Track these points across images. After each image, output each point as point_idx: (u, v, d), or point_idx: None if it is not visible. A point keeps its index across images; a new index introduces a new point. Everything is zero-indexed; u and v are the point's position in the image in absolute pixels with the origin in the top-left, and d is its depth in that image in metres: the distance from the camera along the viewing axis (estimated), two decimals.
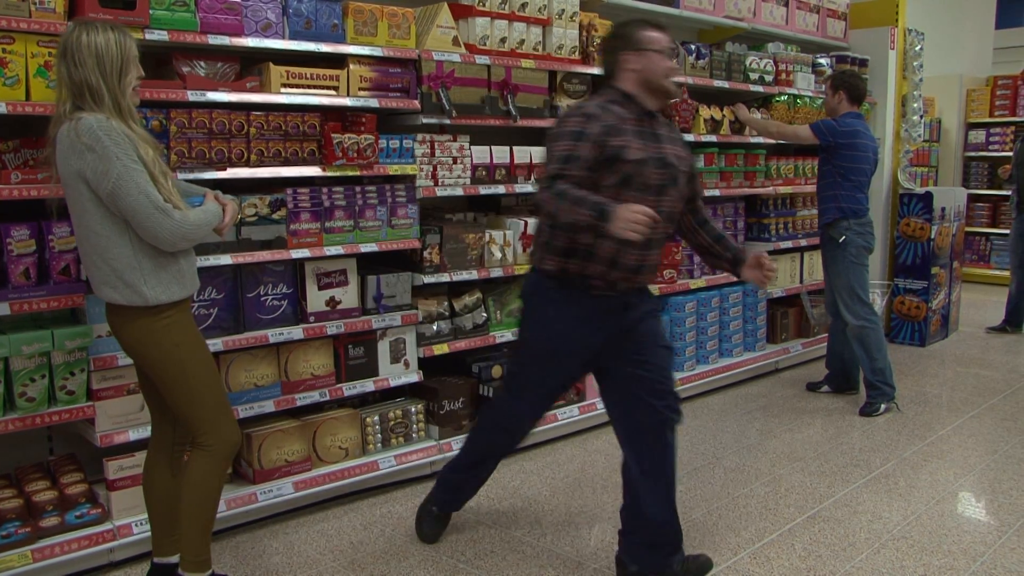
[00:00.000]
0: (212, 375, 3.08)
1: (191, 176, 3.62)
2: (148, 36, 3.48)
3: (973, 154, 11.43)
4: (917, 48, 7.70)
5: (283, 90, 3.93)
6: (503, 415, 3.60)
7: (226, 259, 3.79)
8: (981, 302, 9.51)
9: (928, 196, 7.48)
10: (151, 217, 2.76)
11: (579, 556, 3.65)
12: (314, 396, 4.17)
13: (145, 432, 3.49)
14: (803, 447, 4.98)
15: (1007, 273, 8.57)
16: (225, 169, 3.78)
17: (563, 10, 4.93)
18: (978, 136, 11.35)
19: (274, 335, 4.00)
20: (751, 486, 4.40)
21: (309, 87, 4.03)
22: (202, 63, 3.76)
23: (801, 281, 6.93)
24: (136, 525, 3.55)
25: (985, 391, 6.17)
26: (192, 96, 3.67)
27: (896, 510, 4.12)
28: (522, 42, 4.78)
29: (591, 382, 5.16)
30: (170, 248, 2.87)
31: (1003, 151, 11.01)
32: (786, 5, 6.81)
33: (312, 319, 4.13)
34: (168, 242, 2.84)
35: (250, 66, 3.99)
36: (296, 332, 4.06)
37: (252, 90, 3.86)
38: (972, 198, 11.07)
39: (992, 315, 8.56)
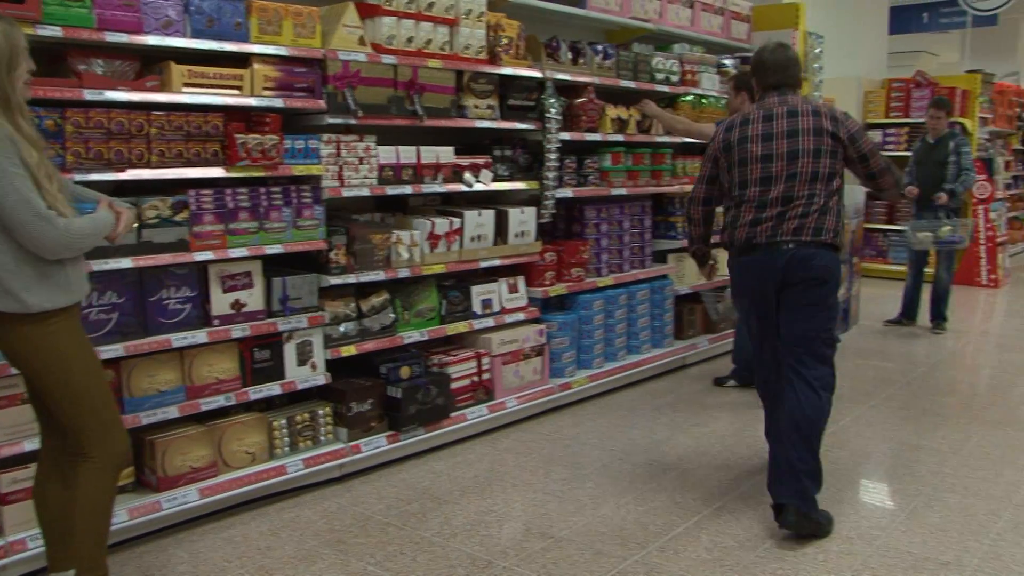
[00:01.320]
0: (99, 384, 2.99)
1: (89, 178, 3.53)
2: (40, 31, 3.38)
3: None
4: (817, 51, 7.91)
5: (185, 89, 3.85)
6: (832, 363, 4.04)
7: (127, 262, 3.71)
8: (880, 296, 9.81)
9: None
10: (31, 225, 2.67)
11: (489, 555, 3.66)
12: (219, 400, 4.10)
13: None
14: (710, 441, 5.08)
15: (904, 268, 8.86)
16: (124, 170, 3.69)
17: (470, 10, 4.94)
18: (875, 136, 11.69)
19: (177, 339, 3.92)
20: (659, 480, 4.47)
21: (212, 87, 3.96)
22: (100, 61, 3.66)
23: (708, 278, 7.03)
24: (31, 540, 3.44)
25: (883, 382, 6.37)
26: (89, 95, 3.57)
27: None
28: (429, 42, 4.77)
29: (500, 380, 5.19)
30: (52, 256, 2.79)
31: (898, 150, 11.34)
32: (691, 7, 6.93)
33: (217, 322, 4.06)
34: (50, 251, 2.75)
35: (150, 65, 3.89)
36: (200, 336, 3.99)
37: (152, 89, 3.78)
38: (871, 195, 11.41)
39: (890, 308, 8.84)
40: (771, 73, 4.11)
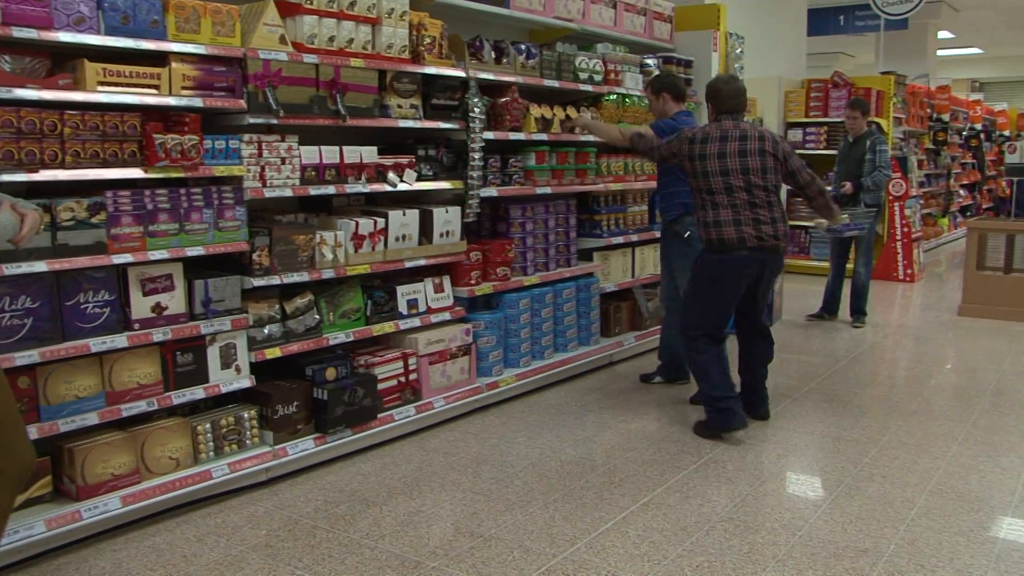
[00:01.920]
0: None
1: None
2: None
3: None
4: (738, 51, 8.04)
5: (100, 88, 3.77)
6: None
7: (41, 266, 3.61)
8: (802, 291, 10.00)
9: None
10: None
11: (418, 556, 3.65)
12: (141, 406, 4.01)
13: None
14: (637, 437, 5.12)
15: (826, 264, 9.04)
16: (37, 171, 3.60)
17: (392, 9, 4.91)
18: (796, 135, 11.92)
19: (96, 344, 3.83)
20: (587, 477, 4.50)
21: (128, 85, 3.87)
22: (7, 57, 3.56)
23: (633, 276, 7.12)
24: None
25: (805, 376, 6.50)
26: None
27: (724, 493, 4.30)
28: (351, 41, 4.74)
29: (427, 380, 5.18)
30: None
31: (818, 149, 11.61)
32: (614, 7, 6.98)
33: (137, 326, 3.98)
34: None
35: (62, 62, 3.80)
36: (120, 340, 3.90)
37: (65, 88, 3.68)
38: (792, 192, 11.61)
39: (812, 303, 9.02)
40: (726, 100, 5.10)
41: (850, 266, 8.67)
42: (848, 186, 8.20)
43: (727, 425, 5.04)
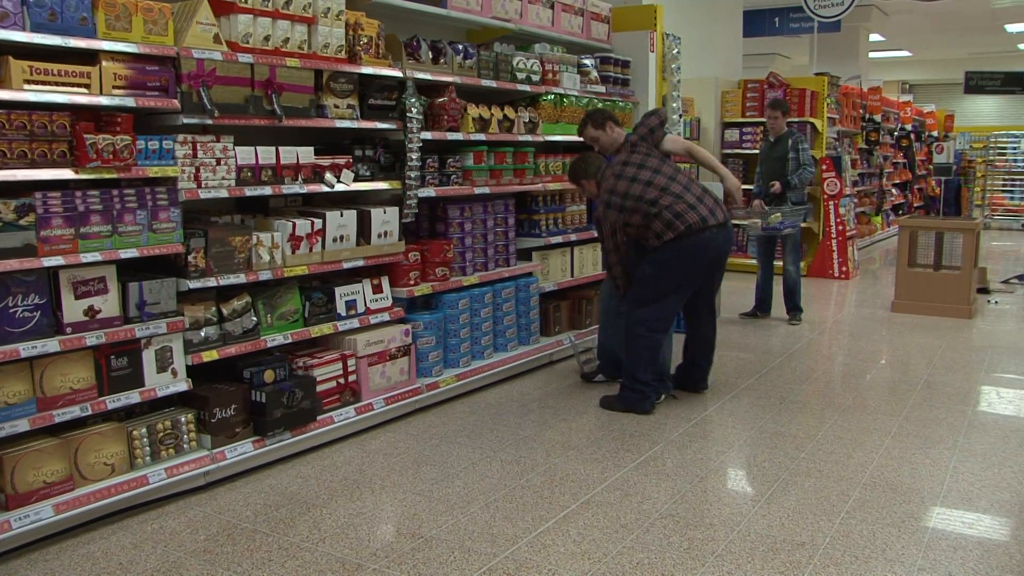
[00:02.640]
0: None
1: None
2: None
3: (729, 151, 12.15)
4: (675, 52, 8.11)
5: (27, 87, 3.68)
6: None
7: None
8: (738, 289, 10.10)
9: None
10: None
11: (359, 558, 3.63)
12: (75, 411, 3.93)
13: None
14: (577, 436, 5.15)
15: None
16: None
17: (329, 8, 4.88)
18: (733, 134, 12.08)
19: (26, 349, 3.74)
20: (527, 477, 4.51)
21: (57, 84, 3.79)
22: None
23: (572, 275, 7.15)
24: None
25: (743, 372, 6.59)
26: None
27: (663, 490, 4.34)
28: (287, 40, 4.70)
29: (366, 381, 5.15)
30: None
31: (755, 148, 11.77)
32: (552, 7, 7.02)
33: (69, 330, 3.90)
34: None
35: None
36: (52, 345, 3.82)
37: None
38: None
39: (748, 301, 9.13)
40: (596, 160, 5.78)
41: (780, 263, 8.81)
42: (777, 185, 8.34)
43: (639, 408, 5.54)
